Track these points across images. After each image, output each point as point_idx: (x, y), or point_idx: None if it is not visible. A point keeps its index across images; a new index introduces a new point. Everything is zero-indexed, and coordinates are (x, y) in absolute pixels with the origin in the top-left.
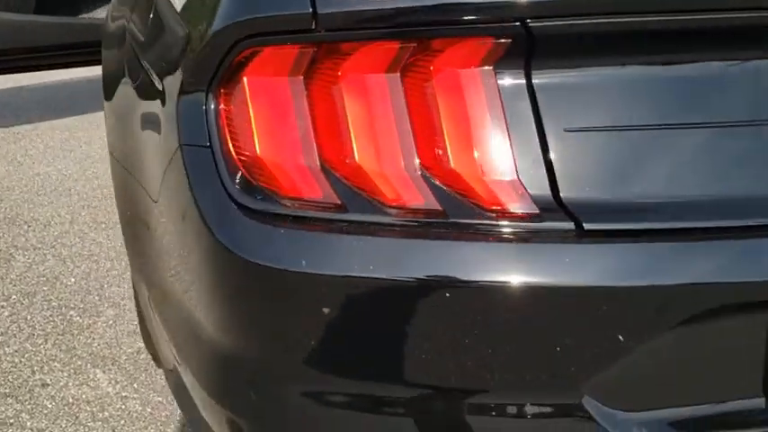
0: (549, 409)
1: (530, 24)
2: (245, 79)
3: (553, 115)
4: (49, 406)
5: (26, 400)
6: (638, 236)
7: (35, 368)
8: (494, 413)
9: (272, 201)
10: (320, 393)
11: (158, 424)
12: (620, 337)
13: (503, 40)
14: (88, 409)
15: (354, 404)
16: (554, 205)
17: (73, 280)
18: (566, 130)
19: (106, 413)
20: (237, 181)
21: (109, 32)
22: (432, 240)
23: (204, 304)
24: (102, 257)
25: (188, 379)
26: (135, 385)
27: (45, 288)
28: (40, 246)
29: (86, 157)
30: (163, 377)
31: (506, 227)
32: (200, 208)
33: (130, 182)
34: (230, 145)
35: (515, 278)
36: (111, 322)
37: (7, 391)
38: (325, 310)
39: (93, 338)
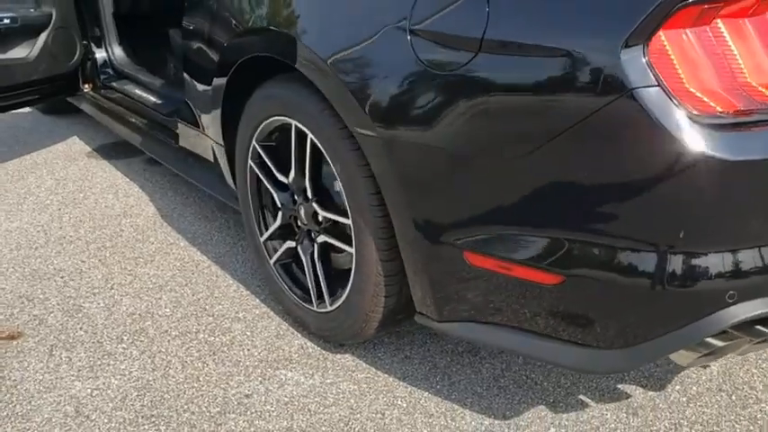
0: None
1: None
2: (683, 30)
3: None
4: (271, 409)
5: (245, 411)
6: None
7: (225, 385)
8: None
9: (717, 115)
10: None
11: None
12: None
13: None
14: (307, 400)
15: None
16: None
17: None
18: None
19: (328, 399)
20: (691, 107)
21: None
22: None
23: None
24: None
25: None
26: (327, 371)
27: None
28: None
29: None
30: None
31: None
32: (667, 132)
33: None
34: (683, 81)
35: None
36: (248, 332)
37: (218, 409)
38: None
39: (251, 347)
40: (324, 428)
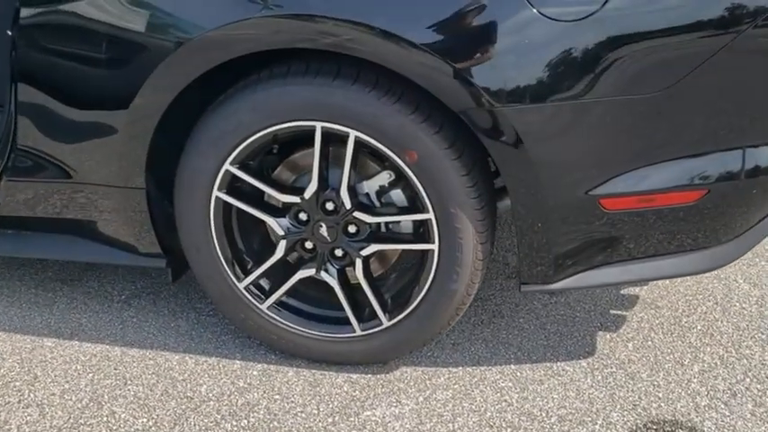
0: None
1: None
2: None
3: None
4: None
5: None
6: None
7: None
8: None
9: None
10: None
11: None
12: None
13: None
14: (424, 426)
15: None
16: None
17: None
18: None
19: (441, 414)
20: None
21: None
22: None
23: None
24: None
25: None
26: (405, 391)
27: None
28: None
29: None
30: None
31: None
32: None
33: None
34: None
35: None
36: (279, 404)
37: None
38: None
39: (305, 415)
40: None
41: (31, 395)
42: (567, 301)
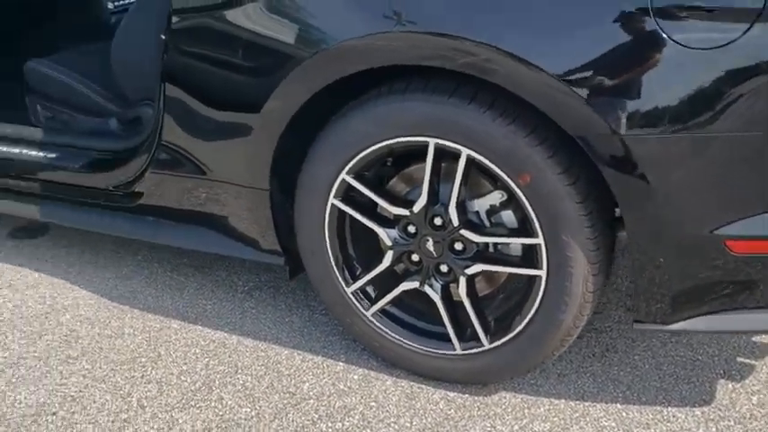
0: None
1: None
2: None
3: None
4: None
5: None
6: None
7: None
8: None
9: None
10: None
11: None
12: None
13: None
14: None
15: None
16: None
17: None
18: None
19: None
20: None
21: None
22: None
23: None
24: None
25: None
26: (509, 411)
27: None
28: None
29: None
30: None
31: None
32: None
33: None
34: None
35: None
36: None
37: None
38: None
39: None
40: None
41: (153, 372)
42: (690, 343)
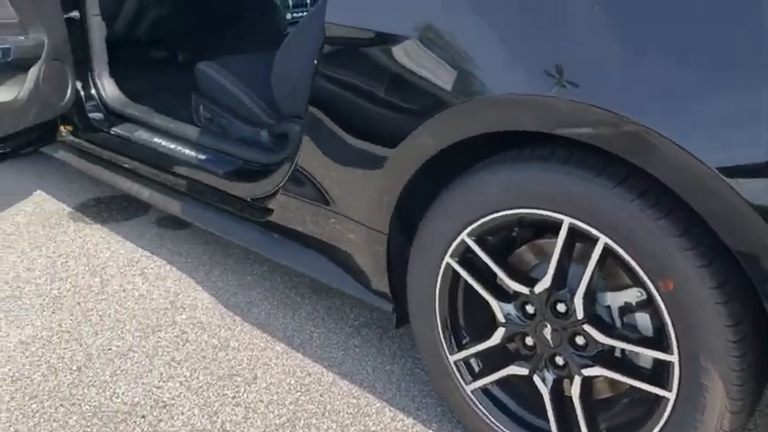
0: None
1: None
2: None
3: None
4: None
5: None
6: None
7: None
8: None
9: None
10: None
11: None
12: None
13: None
14: None
15: None
16: None
17: None
18: None
19: None
20: None
21: None
22: None
23: None
24: None
25: None
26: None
27: None
28: None
29: None
30: None
31: None
32: None
33: None
34: None
35: None
36: None
37: None
38: None
39: None
40: None
41: (245, 395)
42: None
